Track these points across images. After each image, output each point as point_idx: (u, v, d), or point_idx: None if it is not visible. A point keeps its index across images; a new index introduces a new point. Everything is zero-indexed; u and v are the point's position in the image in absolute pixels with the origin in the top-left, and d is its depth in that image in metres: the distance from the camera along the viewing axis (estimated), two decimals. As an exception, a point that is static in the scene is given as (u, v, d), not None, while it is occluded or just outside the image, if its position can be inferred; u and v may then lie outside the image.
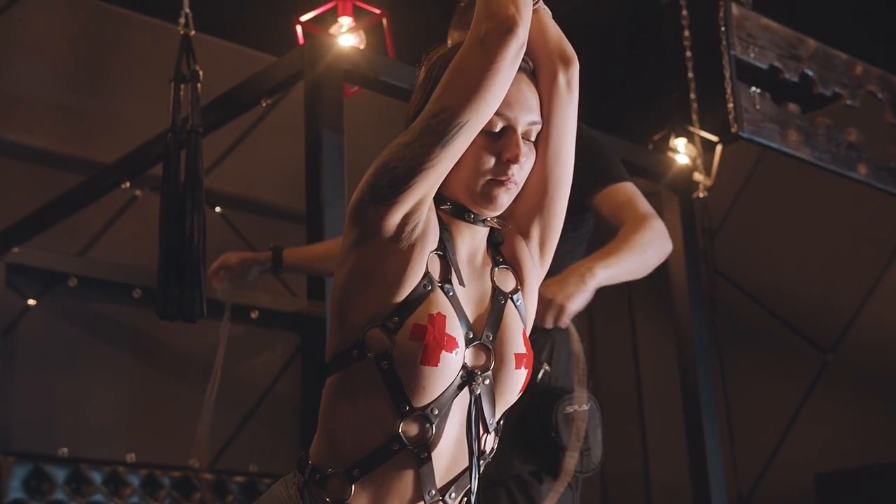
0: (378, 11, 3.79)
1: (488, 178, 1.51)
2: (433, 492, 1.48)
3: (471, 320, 1.51)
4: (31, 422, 4.37)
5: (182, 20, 3.02)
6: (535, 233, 1.62)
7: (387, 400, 1.45)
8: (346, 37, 3.52)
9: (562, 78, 1.58)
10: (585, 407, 2.44)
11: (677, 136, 4.37)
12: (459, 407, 1.49)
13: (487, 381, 1.52)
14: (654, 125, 4.75)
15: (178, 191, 2.82)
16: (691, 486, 3.62)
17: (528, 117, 1.53)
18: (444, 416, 1.47)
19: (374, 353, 1.45)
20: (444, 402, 1.47)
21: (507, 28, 1.42)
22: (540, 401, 2.38)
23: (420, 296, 1.46)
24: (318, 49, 2.91)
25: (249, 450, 4.84)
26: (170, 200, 2.81)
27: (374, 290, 1.46)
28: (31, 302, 4.48)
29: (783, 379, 5.07)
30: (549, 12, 1.61)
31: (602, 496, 5.64)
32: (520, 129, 1.53)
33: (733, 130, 3.25)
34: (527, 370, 1.56)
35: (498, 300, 1.56)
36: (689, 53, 4.38)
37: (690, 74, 4.43)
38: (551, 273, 1.82)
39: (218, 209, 5.03)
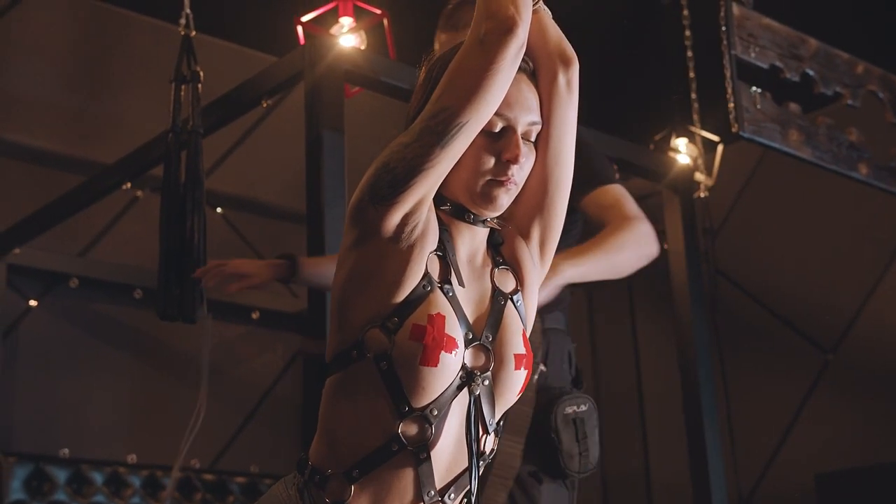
0: (379, 12, 3.78)
1: (488, 178, 1.51)
2: (432, 492, 1.48)
3: (470, 321, 1.51)
4: (33, 422, 4.38)
5: (183, 21, 3.02)
6: (535, 233, 1.62)
7: (386, 400, 1.45)
8: (347, 37, 3.52)
9: (562, 78, 1.57)
10: (584, 407, 2.45)
11: (678, 136, 4.37)
12: (459, 407, 1.49)
13: (487, 382, 1.52)
14: (655, 125, 4.75)
15: (179, 191, 2.82)
16: (692, 486, 3.62)
17: (527, 117, 1.53)
18: (443, 417, 1.47)
19: (374, 353, 1.45)
20: (443, 403, 1.47)
21: (506, 28, 1.42)
22: (538, 402, 2.38)
23: (420, 296, 1.46)
24: (319, 49, 2.91)
25: (250, 450, 4.84)
26: (170, 201, 2.82)
27: (373, 291, 1.46)
28: (33, 303, 4.48)
29: (784, 379, 5.07)
30: (549, 12, 1.61)
31: (602, 496, 5.64)
32: (520, 130, 1.53)
33: (734, 130, 3.25)
34: (526, 371, 1.55)
35: (498, 301, 1.56)
36: (690, 53, 4.38)
37: (692, 74, 4.43)
38: None
39: (219, 210, 5.03)
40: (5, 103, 4.57)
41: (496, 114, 1.49)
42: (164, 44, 3.89)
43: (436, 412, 1.46)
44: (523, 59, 1.51)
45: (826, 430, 4.88)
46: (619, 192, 2.58)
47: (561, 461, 2.39)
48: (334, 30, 3.69)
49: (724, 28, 3.28)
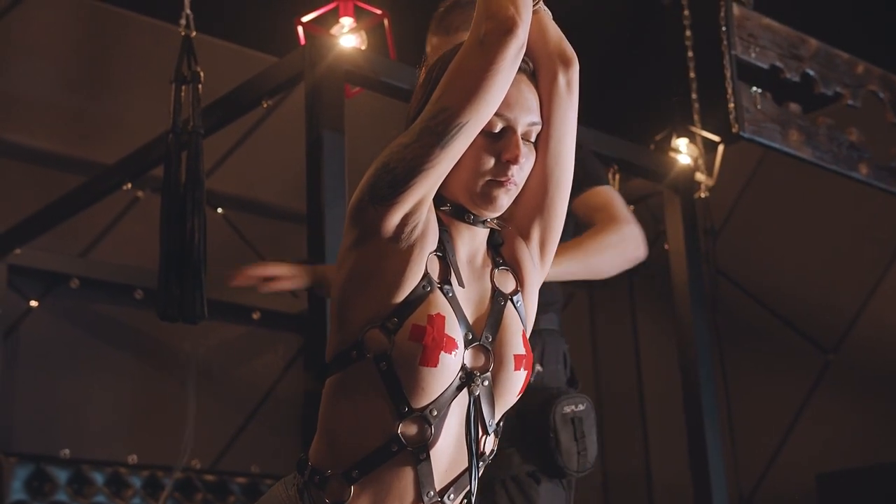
0: (379, 12, 3.78)
1: (488, 178, 1.51)
2: (432, 493, 1.48)
3: (470, 321, 1.51)
4: (33, 423, 4.38)
5: (183, 21, 3.02)
6: (535, 234, 1.62)
7: (386, 401, 1.45)
8: (348, 37, 3.52)
9: (562, 79, 1.57)
10: (582, 407, 2.45)
11: (679, 137, 4.36)
12: (458, 408, 1.49)
13: (486, 383, 1.52)
14: (655, 125, 4.74)
15: (179, 192, 2.82)
16: (692, 486, 3.62)
17: (527, 118, 1.53)
18: (442, 417, 1.47)
19: (374, 353, 1.45)
20: (442, 403, 1.47)
21: (506, 29, 1.42)
22: (535, 401, 2.39)
23: (419, 297, 1.46)
24: (320, 50, 2.91)
25: (251, 451, 4.84)
26: (170, 202, 2.81)
27: (373, 291, 1.46)
28: (33, 303, 4.48)
29: (785, 379, 5.07)
30: (549, 13, 1.61)
31: (603, 496, 5.64)
32: (519, 130, 1.53)
33: (734, 130, 3.25)
34: (526, 371, 1.55)
35: (498, 301, 1.56)
36: (690, 53, 4.38)
37: (692, 74, 4.43)
38: None
39: (220, 210, 5.03)
40: (6, 103, 4.57)
41: (496, 114, 1.49)
42: (164, 44, 3.88)
43: (435, 413, 1.46)
44: (523, 60, 1.51)
45: (827, 431, 4.87)
46: (609, 194, 2.58)
47: (559, 460, 2.39)
48: (335, 30, 3.69)
49: (724, 28, 3.28)
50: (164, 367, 4.74)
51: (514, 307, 1.57)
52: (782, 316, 5.14)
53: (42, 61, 4.69)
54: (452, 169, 1.48)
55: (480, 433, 1.52)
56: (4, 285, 4.31)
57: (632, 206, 4.05)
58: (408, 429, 1.46)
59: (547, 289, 1.66)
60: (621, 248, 2.51)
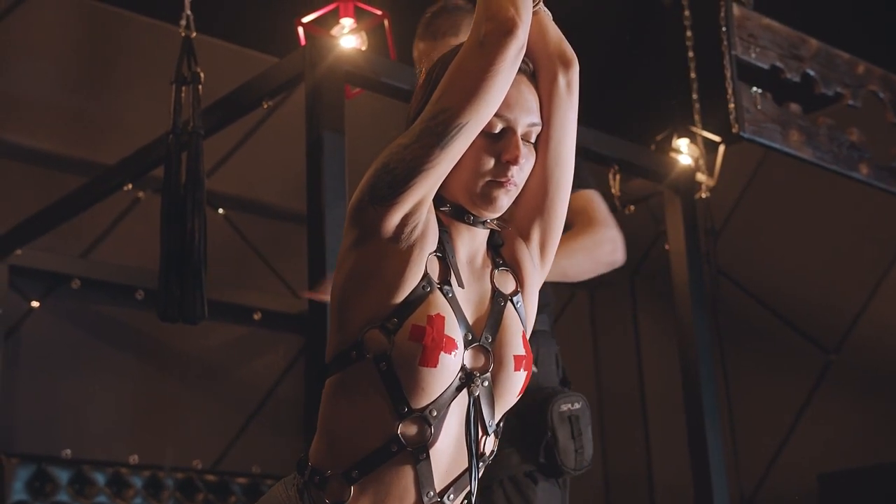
0: (380, 13, 3.78)
1: (488, 179, 1.51)
2: (432, 493, 1.48)
3: (470, 322, 1.52)
4: (35, 423, 4.38)
5: (183, 22, 3.02)
6: (535, 235, 1.62)
7: (386, 401, 1.45)
8: (348, 38, 3.51)
9: (562, 79, 1.58)
10: (578, 405, 2.45)
11: (680, 137, 4.36)
12: (458, 409, 1.50)
13: (486, 383, 1.52)
14: (656, 125, 4.74)
15: (180, 193, 2.82)
16: (693, 486, 3.61)
17: (527, 119, 1.54)
18: (442, 418, 1.47)
19: (373, 354, 1.45)
20: (442, 404, 1.47)
21: (506, 30, 1.42)
22: (532, 401, 2.39)
23: (419, 297, 1.46)
24: (320, 50, 2.91)
25: (252, 451, 4.84)
26: (171, 202, 2.81)
27: (373, 291, 1.46)
28: (35, 304, 4.48)
29: (786, 379, 5.07)
30: (549, 14, 1.61)
31: (605, 496, 5.64)
32: (519, 131, 1.53)
33: (734, 131, 3.25)
34: (526, 372, 1.56)
35: (497, 302, 1.56)
36: (691, 54, 4.38)
37: (693, 75, 4.42)
38: None
39: (221, 211, 5.03)
40: (6, 104, 4.57)
41: (496, 115, 1.49)
42: (164, 45, 3.88)
43: (435, 413, 1.47)
44: (523, 61, 1.52)
45: (828, 431, 4.87)
46: (590, 197, 2.58)
47: (557, 458, 2.40)
48: (335, 31, 3.68)
49: (724, 28, 3.28)
50: (166, 368, 4.74)
51: (514, 308, 1.58)
52: (783, 316, 5.14)
53: (42, 62, 4.69)
54: (452, 170, 1.48)
55: (480, 434, 1.52)
56: (5, 286, 4.31)
57: (632, 207, 4.06)
58: (407, 429, 1.46)
59: (540, 290, 1.66)
60: (595, 252, 2.51)
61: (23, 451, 4.26)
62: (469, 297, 1.53)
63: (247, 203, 5.14)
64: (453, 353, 1.46)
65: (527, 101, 1.54)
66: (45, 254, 4.40)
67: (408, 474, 1.47)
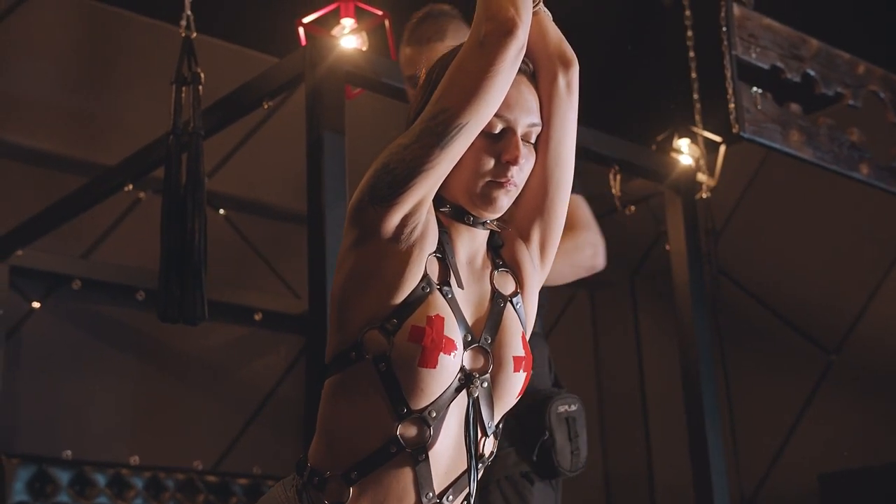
0: (380, 13, 3.78)
1: (488, 179, 1.51)
2: (431, 494, 1.48)
3: (469, 323, 1.51)
4: (35, 424, 4.38)
5: (183, 22, 3.01)
6: (535, 236, 1.62)
7: (385, 402, 1.45)
8: (348, 38, 3.51)
9: (562, 80, 1.58)
10: (575, 407, 2.46)
11: (680, 137, 4.36)
12: (457, 410, 1.49)
13: (486, 384, 1.51)
14: (656, 126, 4.74)
15: (180, 193, 2.82)
16: (694, 486, 3.61)
17: (527, 119, 1.54)
18: (441, 419, 1.47)
19: (373, 354, 1.45)
20: (441, 405, 1.47)
21: (506, 30, 1.42)
22: (531, 401, 2.39)
23: (418, 298, 1.46)
24: (320, 51, 2.91)
25: (253, 452, 4.84)
26: (171, 203, 2.81)
27: (372, 292, 1.46)
28: (35, 304, 4.48)
29: (787, 379, 5.07)
30: (549, 14, 1.61)
31: (605, 496, 5.64)
32: (519, 131, 1.53)
33: (735, 131, 3.25)
34: (526, 373, 1.55)
35: (497, 303, 1.56)
36: (692, 54, 4.38)
37: (693, 75, 4.42)
38: None
39: (221, 211, 5.03)
40: (6, 104, 4.57)
41: (496, 115, 1.49)
42: (165, 45, 3.88)
43: (434, 414, 1.46)
44: (523, 61, 1.52)
45: (829, 431, 4.87)
46: (574, 202, 2.58)
47: (554, 459, 2.41)
48: (335, 31, 3.68)
49: (724, 28, 3.28)
50: (166, 368, 4.74)
51: (514, 309, 1.57)
52: (784, 316, 5.14)
53: (43, 62, 4.69)
54: (452, 170, 1.48)
55: (479, 435, 1.52)
56: (6, 286, 4.31)
57: (633, 207, 4.06)
58: (407, 430, 1.46)
59: None
60: (575, 255, 2.51)
61: (23, 451, 4.26)
62: (469, 297, 1.53)
63: (247, 203, 5.14)
64: (453, 354, 1.46)
65: (527, 101, 1.54)
66: (45, 254, 4.40)
67: (407, 475, 1.47)
